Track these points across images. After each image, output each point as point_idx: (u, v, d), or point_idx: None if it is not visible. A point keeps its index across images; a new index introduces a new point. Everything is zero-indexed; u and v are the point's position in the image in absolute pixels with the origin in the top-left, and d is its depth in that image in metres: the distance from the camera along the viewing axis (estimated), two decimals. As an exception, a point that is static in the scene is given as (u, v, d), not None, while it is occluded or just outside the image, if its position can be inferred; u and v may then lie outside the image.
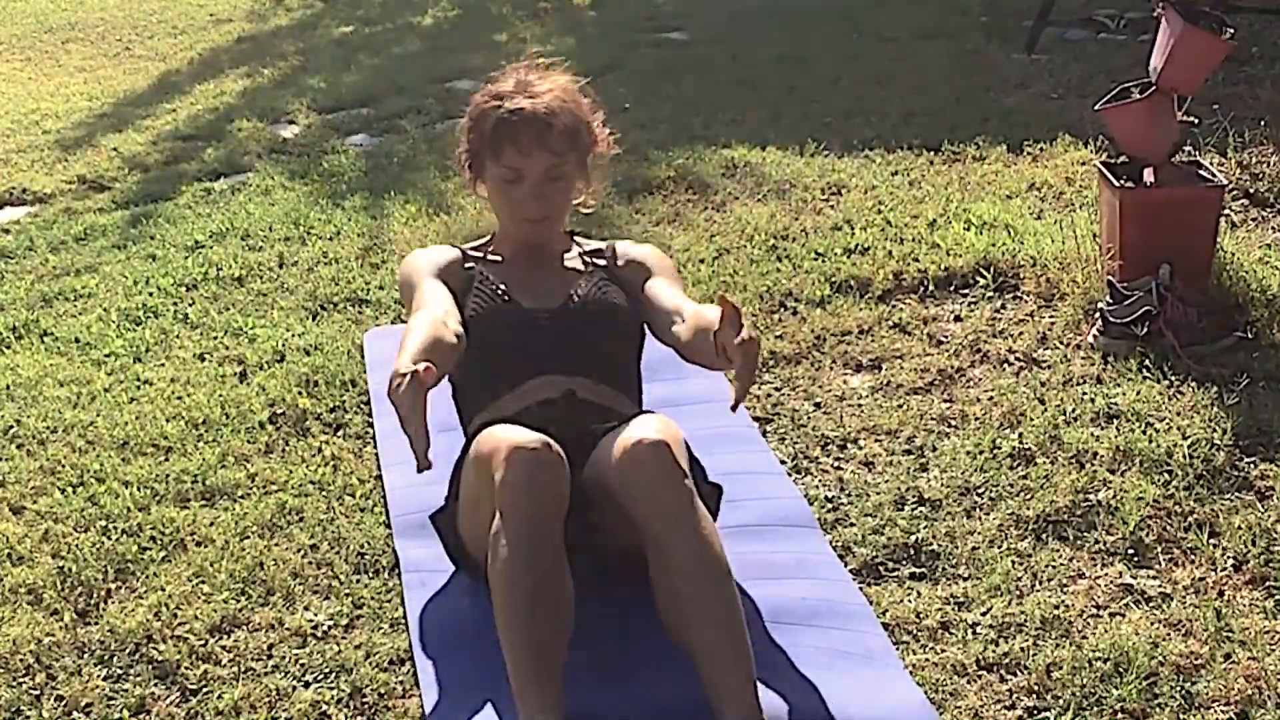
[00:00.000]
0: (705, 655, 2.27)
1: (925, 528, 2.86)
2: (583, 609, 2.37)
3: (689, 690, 2.28)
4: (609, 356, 2.84)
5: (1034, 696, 2.39)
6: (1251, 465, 3.01)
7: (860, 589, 2.66)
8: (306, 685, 2.51)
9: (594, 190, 3.00)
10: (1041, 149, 5.00)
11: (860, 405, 3.37)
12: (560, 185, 2.85)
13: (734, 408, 2.42)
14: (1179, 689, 2.38)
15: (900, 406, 3.35)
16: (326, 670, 2.54)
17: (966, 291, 3.93)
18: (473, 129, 2.87)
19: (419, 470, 2.27)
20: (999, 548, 2.79)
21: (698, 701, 2.26)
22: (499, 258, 2.91)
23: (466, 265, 2.89)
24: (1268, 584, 2.64)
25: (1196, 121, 3.90)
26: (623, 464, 2.40)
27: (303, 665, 2.56)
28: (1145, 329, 3.46)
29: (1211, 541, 2.76)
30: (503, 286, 2.83)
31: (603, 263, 2.93)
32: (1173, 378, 3.34)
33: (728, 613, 2.30)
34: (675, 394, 3.29)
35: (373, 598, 2.74)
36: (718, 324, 2.36)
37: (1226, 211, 4.08)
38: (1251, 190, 4.40)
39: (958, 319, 3.79)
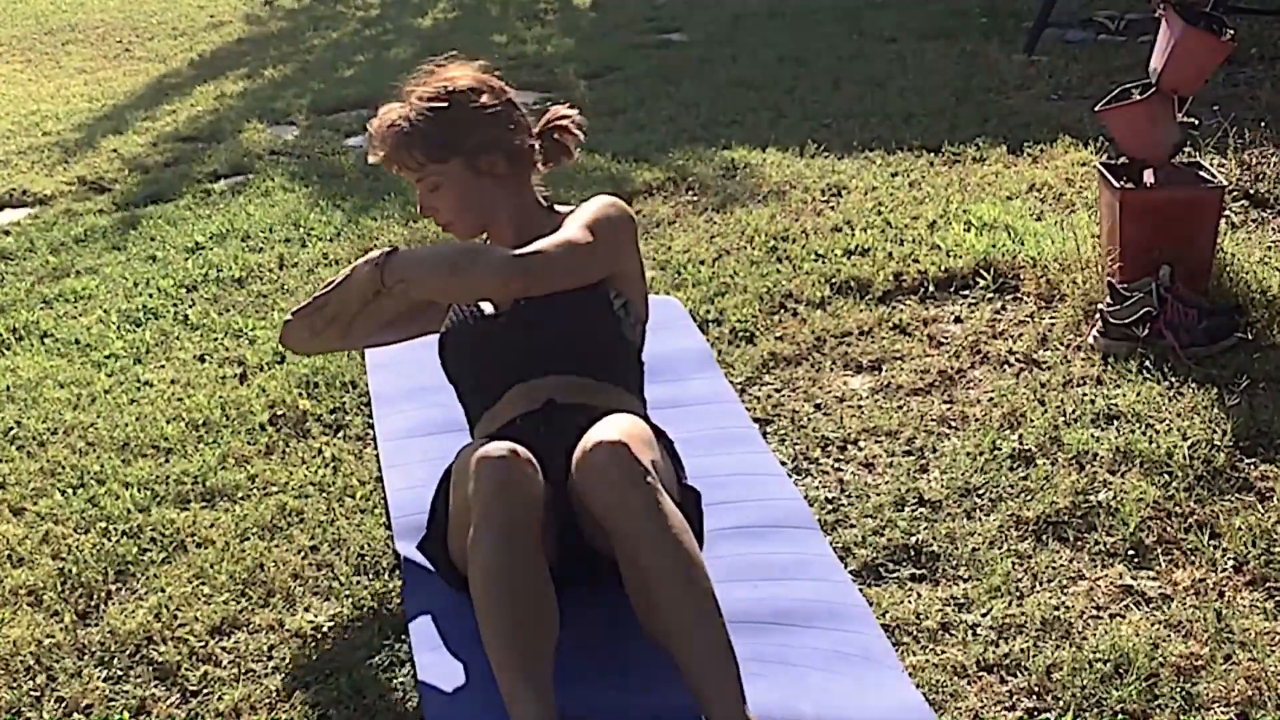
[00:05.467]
0: (687, 659, 2.22)
1: (925, 529, 2.86)
2: (575, 610, 2.37)
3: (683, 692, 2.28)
4: (583, 338, 2.70)
5: (1034, 698, 2.39)
6: (1252, 466, 3.01)
7: (860, 590, 2.66)
8: (306, 686, 2.51)
9: (547, 159, 2.79)
10: (1042, 150, 5.00)
11: (860, 406, 3.37)
12: (443, 194, 2.72)
13: None
14: (1179, 690, 2.37)
15: (900, 408, 3.35)
16: (327, 672, 2.54)
17: (967, 293, 3.93)
18: None
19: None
20: (999, 549, 2.78)
21: (692, 703, 2.26)
22: None
23: None
24: (1268, 585, 2.64)
25: (1196, 122, 3.90)
26: (581, 469, 2.34)
27: (303, 666, 2.56)
28: (1145, 330, 3.46)
29: (1212, 543, 2.76)
30: None
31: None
32: (1173, 379, 3.34)
33: (705, 613, 2.24)
34: (675, 394, 3.29)
35: (373, 599, 2.74)
36: None
37: (1227, 212, 4.08)
38: (1252, 191, 4.39)
39: (958, 320, 3.79)
